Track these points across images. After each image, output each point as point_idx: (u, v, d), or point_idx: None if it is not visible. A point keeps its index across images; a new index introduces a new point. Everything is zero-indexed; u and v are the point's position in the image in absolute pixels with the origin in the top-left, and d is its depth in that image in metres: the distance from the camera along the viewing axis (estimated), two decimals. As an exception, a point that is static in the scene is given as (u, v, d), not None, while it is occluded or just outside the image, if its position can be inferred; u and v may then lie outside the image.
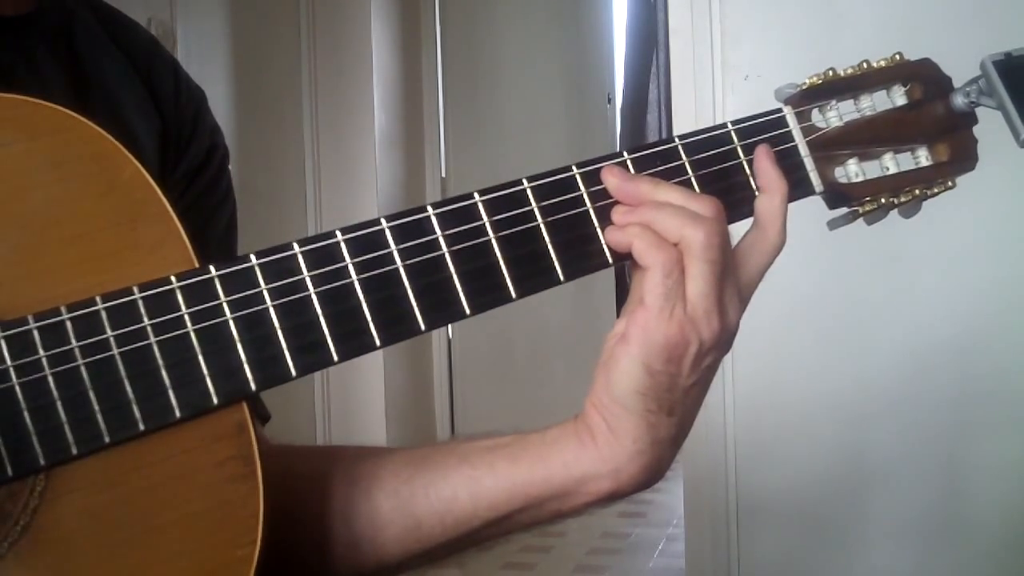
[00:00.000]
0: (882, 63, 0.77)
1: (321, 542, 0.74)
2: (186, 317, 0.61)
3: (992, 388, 2.31)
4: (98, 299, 0.59)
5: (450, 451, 0.74)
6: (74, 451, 0.59)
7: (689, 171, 0.71)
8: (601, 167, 0.69)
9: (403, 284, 0.64)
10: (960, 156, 0.76)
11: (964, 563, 2.32)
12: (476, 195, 0.67)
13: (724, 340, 0.68)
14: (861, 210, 0.76)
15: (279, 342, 0.62)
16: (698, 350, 0.67)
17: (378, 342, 0.63)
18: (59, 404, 0.58)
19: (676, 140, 0.72)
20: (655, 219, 0.67)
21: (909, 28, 2.24)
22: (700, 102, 2.43)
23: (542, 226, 0.68)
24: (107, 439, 0.59)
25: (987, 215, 2.24)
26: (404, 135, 3.89)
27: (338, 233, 0.64)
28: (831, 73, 0.76)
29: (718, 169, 0.72)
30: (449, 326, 3.99)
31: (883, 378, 2.38)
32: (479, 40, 4.20)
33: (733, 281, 0.68)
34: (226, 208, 0.84)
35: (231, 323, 0.61)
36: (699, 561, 2.52)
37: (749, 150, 0.72)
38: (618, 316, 0.70)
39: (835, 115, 0.75)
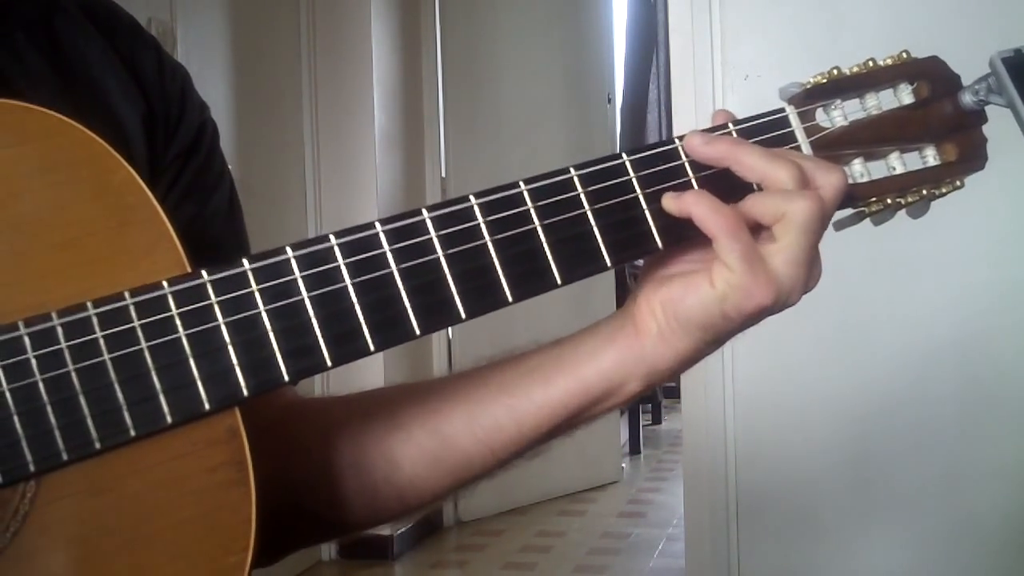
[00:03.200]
0: (888, 61, 0.75)
1: (365, 491, 0.76)
2: (177, 321, 0.60)
3: (993, 388, 2.30)
4: (89, 304, 0.59)
5: (484, 381, 0.75)
6: (65, 457, 0.58)
7: (689, 172, 0.70)
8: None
9: (397, 286, 0.63)
10: (969, 155, 0.75)
11: (964, 563, 2.32)
12: (472, 198, 0.66)
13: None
14: (867, 211, 0.74)
15: (271, 346, 0.61)
16: (777, 309, 0.68)
17: (372, 347, 0.62)
18: (49, 409, 0.58)
19: (676, 141, 0.70)
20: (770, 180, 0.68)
21: (910, 28, 2.24)
22: (700, 102, 2.43)
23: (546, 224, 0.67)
24: (98, 445, 0.58)
25: (988, 216, 2.24)
26: (404, 135, 3.89)
27: (332, 237, 0.63)
28: (836, 72, 0.74)
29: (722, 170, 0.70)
30: (449, 328, 3.98)
31: (883, 378, 2.37)
32: (479, 40, 4.19)
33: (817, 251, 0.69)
34: (225, 184, 0.83)
35: (223, 327, 0.61)
36: (699, 561, 2.52)
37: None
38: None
39: (840, 114, 0.73)
